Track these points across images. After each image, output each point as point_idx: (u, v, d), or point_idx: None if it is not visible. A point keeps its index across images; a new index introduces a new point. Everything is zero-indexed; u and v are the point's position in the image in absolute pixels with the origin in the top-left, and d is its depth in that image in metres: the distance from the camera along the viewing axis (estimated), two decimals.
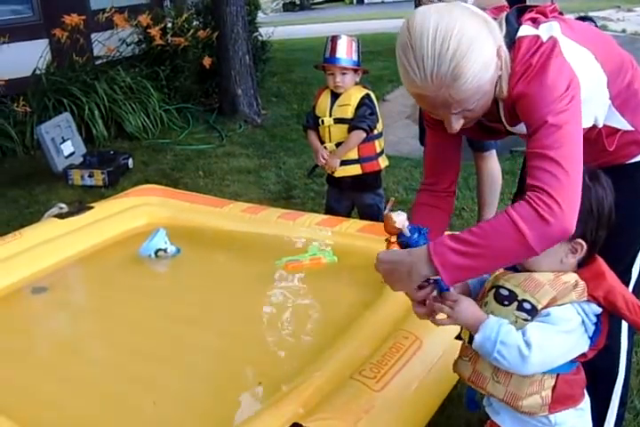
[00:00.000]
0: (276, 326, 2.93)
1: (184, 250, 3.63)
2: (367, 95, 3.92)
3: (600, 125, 1.95)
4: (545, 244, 1.62)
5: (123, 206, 4.11)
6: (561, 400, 1.80)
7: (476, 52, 1.67)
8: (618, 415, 2.28)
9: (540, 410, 1.80)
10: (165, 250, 3.57)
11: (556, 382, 1.79)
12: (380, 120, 3.95)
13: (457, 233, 1.71)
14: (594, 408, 1.96)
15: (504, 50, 1.75)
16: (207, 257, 3.68)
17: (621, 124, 1.96)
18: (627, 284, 2.08)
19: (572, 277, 1.76)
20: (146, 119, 7.34)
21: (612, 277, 1.77)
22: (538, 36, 1.79)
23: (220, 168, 6.29)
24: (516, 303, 1.76)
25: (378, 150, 3.99)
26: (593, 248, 1.80)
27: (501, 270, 1.88)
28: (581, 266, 1.82)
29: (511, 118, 1.87)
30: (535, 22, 1.84)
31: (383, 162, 4.04)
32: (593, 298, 1.74)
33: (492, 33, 1.73)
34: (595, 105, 1.90)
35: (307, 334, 2.88)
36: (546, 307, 1.73)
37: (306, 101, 8.34)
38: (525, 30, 1.82)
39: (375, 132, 3.92)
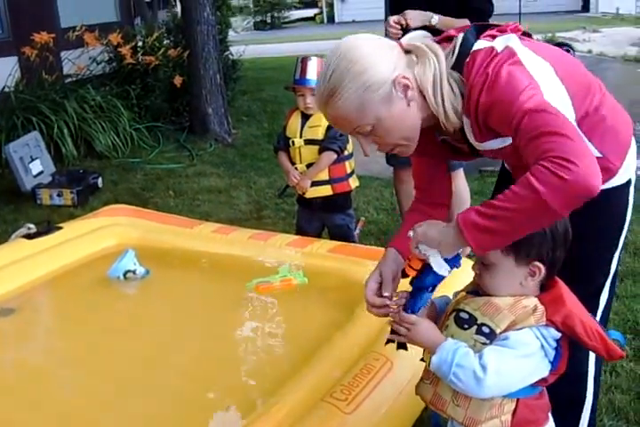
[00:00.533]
0: (247, 349, 2.93)
1: (153, 271, 3.60)
2: None
3: None
4: (567, 202, 1.57)
5: (92, 227, 4.07)
6: (521, 425, 1.80)
7: (354, 72, 1.76)
8: None
9: None
10: (134, 271, 3.53)
11: (516, 407, 1.78)
12: (350, 141, 3.97)
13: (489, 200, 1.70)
14: None
15: (414, 79, 1.82)
16: (177, 278, 3.65)
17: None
18: (595, 309, 2.11)
19: (532, 302, 1.75)
20: (116, 138, 7.30)
21: (571, 302, 1.76)
22: (492, 48, 1.80)
23: (190, 188, 6.28)
24: (475, 327, 1.77)
25: (348, 171, 4.01)
26: (552, 270, 1.79)
27: (463, 294, 1.89)
28: (543, 289, 1.82)
29: (481, 135, 1.86)
30: (493, 37, 1.86)
31: (354, 182, 4.06)
32: (551, 322, 1.73)
33: (396, 62, 1.81)
34: None
35: (278, 356, 2.87)
36: (504, 331, 1.73)
37: (276, 120, 8.36)
38: (480, 44, 1.84)
39: (345, 153, 3.93)
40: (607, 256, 2.11)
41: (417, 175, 2.26)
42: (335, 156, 3.88)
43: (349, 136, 3.95)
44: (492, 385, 1.70)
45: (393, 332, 1.92)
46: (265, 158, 7.13)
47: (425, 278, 1.84)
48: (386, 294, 2.03)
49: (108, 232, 4.05)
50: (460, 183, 4.33)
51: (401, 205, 4.67)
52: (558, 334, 1.75)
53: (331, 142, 3.85)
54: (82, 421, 2.50)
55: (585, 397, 2.23)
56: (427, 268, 1.81)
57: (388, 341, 1.99)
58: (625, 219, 2.09)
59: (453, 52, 1.85)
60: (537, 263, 1.76)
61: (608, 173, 1.96)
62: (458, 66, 1.84)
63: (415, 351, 2.44)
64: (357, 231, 4.51)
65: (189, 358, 2.86)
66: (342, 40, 1.84)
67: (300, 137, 3.93)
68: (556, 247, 1.77)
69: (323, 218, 4.15)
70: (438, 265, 1.79)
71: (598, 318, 2.13)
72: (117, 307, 3.38)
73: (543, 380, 1.79)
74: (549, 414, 1.89)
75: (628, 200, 2.08)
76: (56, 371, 2.87)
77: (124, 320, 3.20)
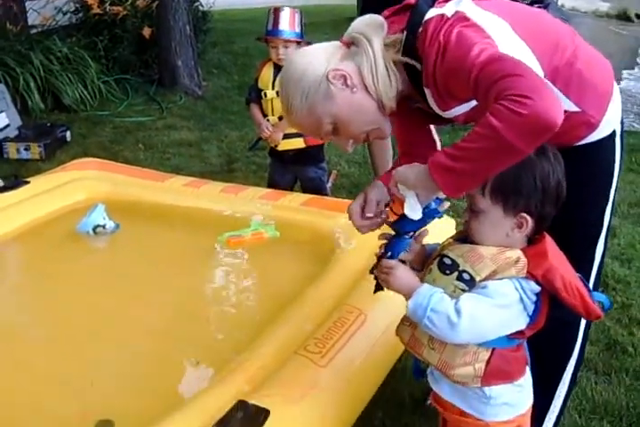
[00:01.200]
0: (219, 302, 2.90)
1: (123, 226, 3.55)
2: None
3: None
4: (527, 137, 1.56)
5: (60, 181, 3.98)
6: (495, 374, 1.81)
7: (293, 85, 1.88)
8: (568, 391, 2.31)
9: (472, 381, 1.81)
10: (104, 226, 3.48)
11: (491, 356, 1.80)
12: None
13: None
14: (543, 384, 1.99)
15: (355, 68, 1.86)
16: (147, 233, 3.60)
17: (567, 104, 1.86)
18: (589, 266, 2.11)
19: (515, 254, 1.75)
20: (84, 91, 7.14)
21: (554, 257, 1.76)
22: (443, 15, 1.78)
23: (160, 141, 6.19)
24: (456, 273, 1.78)
25: None
26: (540, 224, 1.79)
27: (450, 240, 1.90)
28: (530, 244, 1.81)
29: (444, 103, 1.87)
30: (447, 1, 1.84)
31: None
32: (532, 276, 1.73)
33: (329, 59, 1.87)
34: None
35: (250, 309, 2.86)
36: (484, 280, 1.73)
37: (247, 73, 8.24)
38: (431, 12, 1.82)
39: None
40: (598, 210, 2.10)
41: (399, 136, 2.25)
42: None
43: None
44: (466, 330, 1.71)
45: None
46: (236, 111, 7.04)
47: (404, 223, 1.86)
48: (369, 214, 2.06)
49: (76, 186, 3.96)
50: None
51: (373, 158, 4.65)
52: (538, 288, 1.75)
53: None
54: (53, 376, 2.48)
55: (573, 348, 2.25)
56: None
57: (377, 289, 2.02)
58: (614, 170, 2.07)
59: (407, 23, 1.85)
60: (524, 215, 1.75)
61: (589, 127, 1.95)
62: (411, 37, 1.83)
63: (388, 303, 2.49)
64: (329, 184, 4.50)
65: (160, 313, 2.83)
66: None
67: (273, 88, 3.88)
68: (545, 201, 1.76)
69: (295, 171, 4.12)
70: (411, 208, 1.79)
71: (594, 274, 2.14)
72: (87, 262, 3.33)
73: (520, 333, 1.80)
74: (527, 368, 1.91)
75: (614, 151, 2.05)
76: (24, 326, 2.83)
77: (93, 275, 3.14)
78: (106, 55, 7.88)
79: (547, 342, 1.91)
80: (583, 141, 1.98)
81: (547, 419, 2.33)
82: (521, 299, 1.75)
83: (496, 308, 1.72)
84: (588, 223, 2.10)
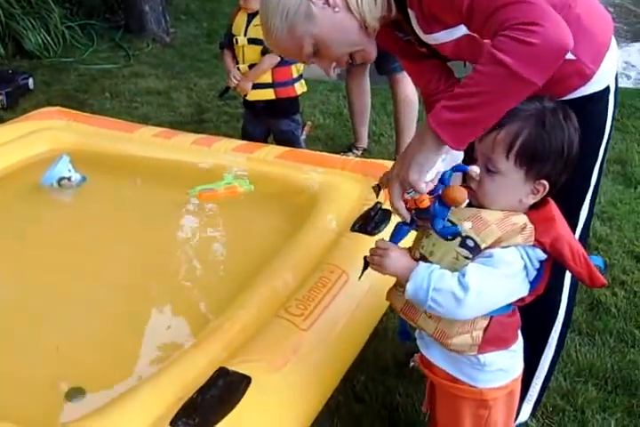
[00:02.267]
0: (191, 260, 2.80)
1: (90, 178, 3.39)
2: None
3: None
4: (541, 68, 1.47)
5: (22, 131, 3.79)
6: (492, 342, 1.74)
7: (272, 6, 1.76)
8: (555, 354, 2.25)
9: (469, 349, 1.73)
10: (69, 178, 3.32)
11: (489, 324, 1.72)
12: None
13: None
14: (530, 348, 1.91)
15: None
16: (115, 186, 3.44)
17: None
18: (574, 225, 2.02)
19: (522, 219, 1.64)
20: (46, 36, 6.86)
21: (561, 224, 1.67)
22: None
23: (127, 89, 5.96)
24: (459, 239, 1.65)
25: (294, 75, 3.84)
26: (551, 191, 1.68)
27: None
28: (532, 208, 1.70)
29: (428, 25, 1.76)
30: None
31: (300, 88, 3.89)
32: (539, 243, 1.63)
33: None
34: None
35: (225, 267, 2.75)
36: (489, 247, 1.62)
37: (216, 20, 8.03)
38: None
39: None
40: (587, 168, 2.00)
41: (415, 79, 2.19)
42: (278, 59, 3.70)
43: None
44: (473, 305, 1.62)
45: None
46: (205, 59, 6.82)
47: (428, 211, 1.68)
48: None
49: (40, 137, 3.78)
50: (408, 87, 4.18)
51: (351, 106, 4.52)
52: (544, 256, 1.66)
53: None
54: (19, 337, 2.36)
55: (557, 311, 2.18)
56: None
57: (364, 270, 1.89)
58: (605, 129, 1.97)
59: None
60: (544, 182, 1.65)
61: (583, 77, 1.84)
62: None
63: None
64: (304, 136, 4.36)
65: (130, 272, 2.70)
66: None
67: (245, 35, 3.71)
68: (565, 170, 1.66)
69: (267, 123, 3.98)
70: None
71: (578, 233, 2.05)
72: (51, 216, 3.18)
73: (521, 299, 1.73)
74: (519, 331, 1.84)
75: (607, 109, 1.94)
76: None
77: (58, 230, 3.01)
78: None
79: (531, 305, 1.82)
80: (575, 94, 1.86)
81: (533, 383, 2.27)
82: (525, 267, 1.66)
83: (502, 278, 1.63)
84: (573, 182, 1.99)
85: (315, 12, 1.74)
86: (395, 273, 1.75)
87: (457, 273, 1.63)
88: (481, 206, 1.69)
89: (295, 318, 2.21)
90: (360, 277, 1.93)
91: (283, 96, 3.82)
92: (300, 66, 3.84)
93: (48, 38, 6.88)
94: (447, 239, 1.65)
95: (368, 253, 1.80)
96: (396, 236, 1.80)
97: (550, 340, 2.22)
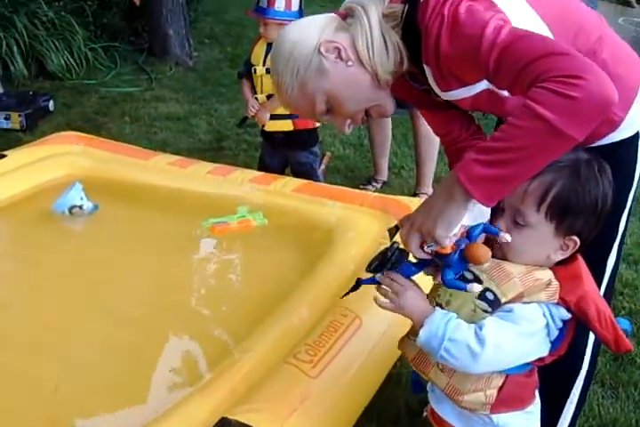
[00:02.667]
0: (201, 297, 2.72)
1: (102, 206, 3.33)
2: None
3: None
4: (584, 124, 1.37)
5: (39, 155, 3.74)
6: (506, 402, 1.66)
7: (283, 62, 1.70)
8: (575, 410, 2.13)
9: (481, 408, 1.65)
10: (81, 206, 3.26)
11: (504, 383, 1.64)
12: None
13: (482, 142, 1.49)
14: (549, 405, 1.83)
15: (350, 39, 1.67)
16: (127, 215, 3.37)
17: None
18: (601, 275, 1.93)
19: (546, 275, 1.56)
20: (69, 58, 6.82)
21: (588, 281, 1.59)
22: None
23: (147, 114, 5.91)
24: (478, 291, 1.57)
25: None
26: (581, 248, 1.60)
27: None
28: (559, 263, 1.62)
29: (445, 83, 1.67)
30: None
31: None
32: (563, 302, 1.55)
33: (321, 31, 1.69)
34: None
35: (234, 308, 2.64)
36: (510, 302, 1.54)
37: (240, 45, 7.99)
38: None
39: None
40: (616, 218, 1.90)
41: (437, 132, 2.09)
42: None
43: None
44: (489, 361, 1.54)
45: None
46: (227, 84, 6.76)
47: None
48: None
49: (56, 162, 3.73)
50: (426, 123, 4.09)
51: (372, 137, 4.45)
52: (568, 315, 1.58)
53: None
54: (25, 371, 2.28)
55: (580, 369, 2.06)
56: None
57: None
58: (634, 175, 1.88)
59: None
60: (575, 237, 1.57)
61: (611, 125, 1.75)
62: (411, 8, 1.63)
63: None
64: (323, 167, 4.29)
65: (137, 306, 2.62)
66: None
67: (263, 65, 3.64)
68: (597, 226, 1.59)
69: (285, 154, 3.90)
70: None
71: (605, 283, 1.95)
72: (60, 245, 3.11)
73: (540, 359, 1.64)
74: (536, 392, 1.74)
75: (637, 155, 1.85)
76: None
77: (66, 260, 2.93)
78: (94, 21, 7.53)
79: (552, 364, 1.72)
80: (604, 141, 1.77)
81: None
82: (547, 325, 1.57)
83: (521, 336, 1.55)
84: (601, 231, 1.89)
85: (327, 67, 1.67)
86: (408, 316, 1.65)
87: (473, 325, 1.55)
88: (505, 259, 1.60)
89: (304, 364, 2.11)
90: (342, 296, 1.87)
91: (301, 127, 3.75)
92: None
93: (71, 60, 6.84)
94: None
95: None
96: (407, 271, 1.69)
97: (572, 396, 2.10)
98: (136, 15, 7.86)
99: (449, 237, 1.54)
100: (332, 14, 1.76)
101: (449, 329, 1.54)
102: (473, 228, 1.55)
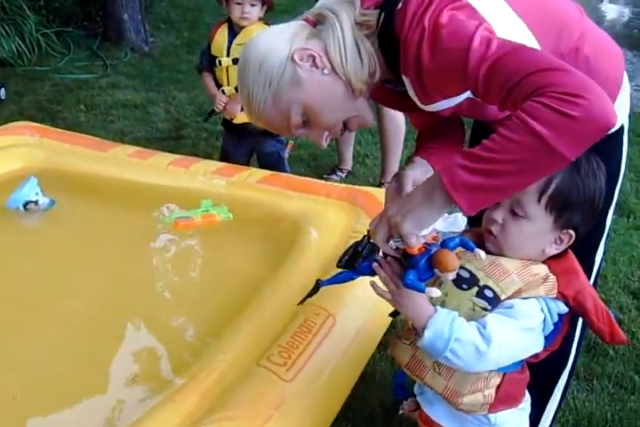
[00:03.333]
0: (164, 297, 2.61)
1: (59, 201, 3.21)
2: None
3: None
4: (578, 144, 1.30)
5: None
6: (503, 400, 1.64)
7: (253, 73, 1.58)
8: (558, 404, 2.12)
9: (479, 409, 1.63)
10: (36, 202, 3.15)
11: (502, 381, 1.62)
12: None
13: (468, 149, 1.40)
14: (535, 401, 1.80)
15: (322, 46, 1.56)
16: (85, 211, 3.25)
17: None
18: (589, 270, 1.90)
19: (543, 270, 1.54)
20: (21, 43, 6.64)
21: (583, 276, 1.58)
22: None
23: (103, 101, 5.75)
24: (476, 288, 1.55)
25: None
26: (575, 242, 1.58)
27: (462, 249, 1.58)
28: (551, 258, 1.59)
29: (426, 96, 1.58)
30: None
31: None
32: (562, 296, 1.53)
33: (292, 39, 1.58)
34: None
35: (200, 307, 2.53)
36: (509, 298, 1.52)
37: (197, 30, 7.86)
38: None
39: None
40: (603, 213, 1.84)
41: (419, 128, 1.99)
42: None
43: None
44: (493, 359, 1.51)
45: None
46: (185, 71, 6.61)
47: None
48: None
49: (9, 154, 3.62)
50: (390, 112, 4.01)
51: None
52: (565, 309, 1.56)
53: None
54: None
55: (567, 363, 2.04)
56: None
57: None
58: (619, 172, 1.84)
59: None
60: (571, 231, 1.55)
61: None
62: (388, 15, 1.54)
63: (357, 304, 2.22)
64: (286, 155, 4.18)
65: (96, 307, 2.52)
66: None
67: (228, 56, 3.52)
68: (591, 221, 1.58)
69: (252, 143, 3.79)
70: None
71: (593, 276, 1.94)
72: (14, 243, 2.97)
73: (535, 355, 1.63)
74: (526, 388, 1.74)
75: (622, 149, 1.82)
76: None
77: (20, 259, 2.81)
78: (46, 5, 7.31)
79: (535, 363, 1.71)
80: None
81: None
82: (544, 320, 1.56)
83: (522, 331, 1.53)
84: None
85: (302, 76, 1.56)
86: (409, 313, 1.57)
87: (474, 323, 1.51)
88: (499, 254, 1.57)
89: (278, 367, 2.04)
90: (300, 303, 1.78)
91: None
92: None
93: (22, 46, 6.66)
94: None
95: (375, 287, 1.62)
96: (334, 279, 1.68)
97: (556, 391, 2.08)
98: None
99: (416, 236, 1.47)
100: (301, 22, 1.65)
101: (454, 330, 1.49)
102: (449, 239, 1.50)
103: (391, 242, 1.52)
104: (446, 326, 1.49)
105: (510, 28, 1.51)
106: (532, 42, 1.54)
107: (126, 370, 2.22)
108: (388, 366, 2.59)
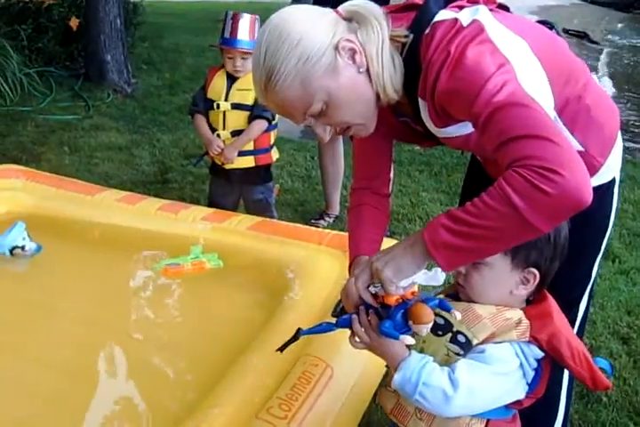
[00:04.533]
0: (156, 347, 2.54)
1: (46, 247, 3.16)
2: None
3: None
4: (551, 219, 1.34)
5: None
6: None
7: (288, 46, 1.50)
8: None
9: None
10: (23, 247, 3.10)
11: None
12: None
13: (454, 209, 1.44)
14: None
15: (360, 44, 1.54)
16: (72, 256, 3.19)
17: (572, 142, 1.63)
18: (575, 316, 1.95)
19: (516, 315, 1.57)
20: (3, 83, 6.65)
21: (559, 320, 1.59)
22: (457, 20, 1.51)
23: (87, 143, 5.73)
24: (450, 334, 1.59)
25: (272, 142, 3.67)
26: (544, 281, 1.62)
27: (441, 297, 1.66)
28: (530, 303, 1.65)
29: (439, 119, 1.60)
30: (461, 8, 1.56)
31: (275, 154, 3.72)
32: (535, 340, 1.55)
33: (335, 27, 1.54)
34: None
35: (194, 357, 2.47)
36: (482, 343, 1.55)
37: (178, 71, 7.94)
38: (443, 15, 1.55)
39: (272, 122, 3.55)
40: (589, 263, 1.93)
41: (359, 163, 2.01)
42: (267, 124, 3.51)
43: None
44: (462, 404, 1.53)
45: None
46: (167, 112, 6.65)
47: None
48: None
49: None
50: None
51: (324, 168, 4.35)
52: (541, 354, 1.58)
53: (263, 110, 3.43)
54: None
55: (557, 409, 2.04)
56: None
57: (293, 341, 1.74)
58: (609, 223, 1.89)
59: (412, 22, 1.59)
60: (533, 270, 1.59)
61: (590, 170, 1.67)
62: (415, 38, 1.56)
63: (355, 355, 2.19)
64: (273, 201, 4.17)
65: (82, 358, 2.45)
66: (272, 16, 1.58)
67: (226, 100, 3.51)
68: (555, 257, 1.61)
69: (240, 191, 3.78)
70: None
71: (577, 326, 1.96)
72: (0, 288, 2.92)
73: (518, 402, 1.62)
74: None
75: (612, 202, 1.87)
76: None
77: (6, 306, 2.74)
78: (29, 46, 7.39)
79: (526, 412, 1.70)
80: None
81: None
82: (521, 365, 1.57)
83: (495, 376, 1.54)
84: (574, 276, 1.89)
85: (339, 66, 1.53)
86: (384, 357, 1.63)
87: (446, 368, 1.54)
88: (471, 301, 1.62)
89: (278, 420, 1.98)
90: (280, 350, 1.75)
91: (262, 163, 3.65)
92: (276, 132, 3.67)
93: (5, 86, 6.67)
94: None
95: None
96: (314, 329, 1.71)
97: None
98: (72, 40, 7.71)
99: (395, 285, 1.51)
100: (333, 12, 1.60)
101: (423, 374, 1.52)
102: (428, 299, 1.56)
103: (371, 287, 1.58)
104: (416, 370, 1.53)
105: (527, 66, 1.54)
106: (544, 81, 1.59)
107: (133, 417, 2.17)
108: (383, 416, 2.56)
